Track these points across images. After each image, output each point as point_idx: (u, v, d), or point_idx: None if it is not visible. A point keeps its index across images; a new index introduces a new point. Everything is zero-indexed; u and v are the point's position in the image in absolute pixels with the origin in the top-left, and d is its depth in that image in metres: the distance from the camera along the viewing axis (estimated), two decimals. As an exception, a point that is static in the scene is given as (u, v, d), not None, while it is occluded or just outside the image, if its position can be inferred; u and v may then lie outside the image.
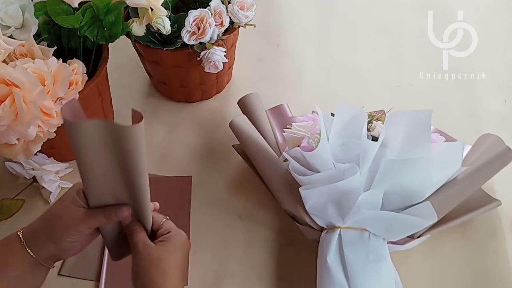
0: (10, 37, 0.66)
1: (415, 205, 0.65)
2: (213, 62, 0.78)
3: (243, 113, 0.82)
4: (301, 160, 0.67)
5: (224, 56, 0.79)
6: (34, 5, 0.67)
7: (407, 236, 0.66)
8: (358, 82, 0.97)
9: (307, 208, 0.67)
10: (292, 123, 0.77)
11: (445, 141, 0.74)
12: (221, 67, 0.80)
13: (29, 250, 0.47)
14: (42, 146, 0.67)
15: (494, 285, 0.68)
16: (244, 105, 0.83)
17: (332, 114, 0.68)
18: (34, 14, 0.67)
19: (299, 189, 0.66)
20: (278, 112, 0.85)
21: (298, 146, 0.70)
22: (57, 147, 0.78)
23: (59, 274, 0.70)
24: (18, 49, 0.66)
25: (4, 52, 0.62)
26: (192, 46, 0.77)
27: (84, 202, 0.50)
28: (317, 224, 0.67)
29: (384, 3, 1.14)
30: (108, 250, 0.57)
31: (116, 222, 0.52)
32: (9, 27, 0.66)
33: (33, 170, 0.75)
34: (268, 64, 1.01)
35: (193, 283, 0.70)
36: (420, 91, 0.95)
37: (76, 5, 0.67)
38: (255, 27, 0.82)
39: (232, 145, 0.81)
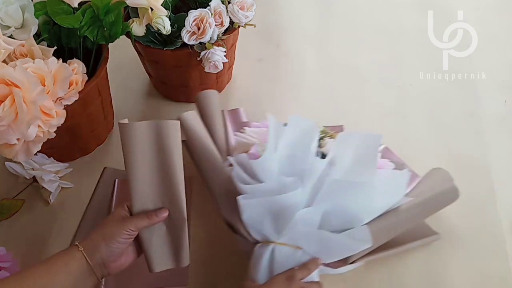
0: (10, 37, 0.65)
1: (353, 228, 0.64)
2: (213, 62, 0.78)
3: (198, 109, 0.79)
4: (246, 167, 0.65)
5: (224, 56, 0.79)
6: (34, 5, 0.67)
7: (340, 260, 0.65)
8: (358, 82, 0.97)
9: (243, 218, 0.64)
10: (245, 128, 0.75)
11: (394, 168, 0.72)
12: (221, 67, 0.80)
13: (85, 255, 0.54)
14: (42, 146, 0.67)
15: (495, 285, 0.68)
16: (200, 101, 0.80)
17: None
18: (34, 14, 0.67)
19: (238, 198, 0.63)
20: (235, 115, 0.84)
21: (247, 152, 0.68)
22: (57, 147, 0.78)
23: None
24: (18, 49, 0.66)
25: (4, 52, 0.62)
26: (192, 46, 0.77)
27: (128, 212, 0.58)
28: (252, 236, 0.65)
29: (384, 3, 1.14)
30: (148, 261, 0.59)
31: (159, 230, 0.59)
32: (9, 27, 0.66)
33: (33, 170, 0.75)
34: (268, 64, 1.01)
35: (193, 283, 0.70)
36: (420, 91, 0.95)
37: (76, 5, 0.67)
38: (255, 27, 0.82)
39: (183, 140, 0.79)
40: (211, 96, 0.81)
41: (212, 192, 0.71)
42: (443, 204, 0.70)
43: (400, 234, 0.67)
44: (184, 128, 0.75)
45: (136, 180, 0.57)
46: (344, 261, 0.65)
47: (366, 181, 0.62)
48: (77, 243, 0.55)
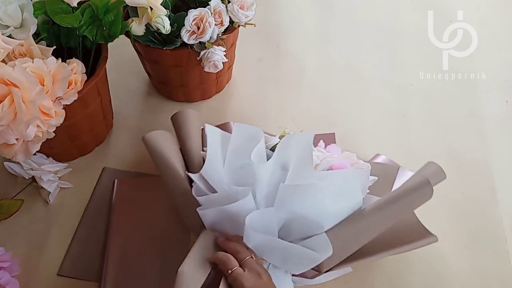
0: (9, 36, 0.65)
1: (313, 236, 0.61)
2: (213, 62, 0.78)
3: (174, 128, 0.78)
4: (205, 181, 0.65)
5: (224, 55, 0.79)
6: (33, 5, 0.67)
7: (314, 269, 0.61)
8: (358, 82, 0.97)
9: (207, 227, 0.63)
10: None
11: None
12: (221, 66, 0.80)
13: None
14: (41, 146, 0.66)
15: (496, 285, 0.68)
16: (175, 121, 0.79)
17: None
18: (33, 14, 0.67)
19: (197, 209, 0.62)
20: (224, 129, 0.80)
21: None
22: (56, 147, 0.77)
23: (58, 274, 0.70)
24: (17, 49, 0.66)
25: (3, 51, 0.61)
26: (191, 45, 0.77)
27: None
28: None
29: (385, 2, 1.13)
30: None
31: None
32: (8, 27, 0.66)
33: (32, 170, 0.75)
34: (268, 63, 1.01)
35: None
36: (421, 91, 0.95)
37: (75, 4, 0.66)
38: (255, 26, 0.82)
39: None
40: (188, 115, 0.78)
41: (177, 207, 0.71)
42: (416, 203, 0.63)
43: (393, 236, 0.64)
44: (148, 148, 0.73)
45: None
46: (317, 270, 0.62)
47: (309, 183, 0.60)
48: None
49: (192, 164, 0.72)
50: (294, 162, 0.63)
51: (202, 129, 0.80)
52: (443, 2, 1.11)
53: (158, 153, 0.71)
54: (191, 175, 0.66)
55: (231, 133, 0.77)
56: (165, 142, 0.74)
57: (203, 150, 0.74)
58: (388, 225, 0.63)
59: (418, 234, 0.66)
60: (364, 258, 0.63)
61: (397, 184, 0.72)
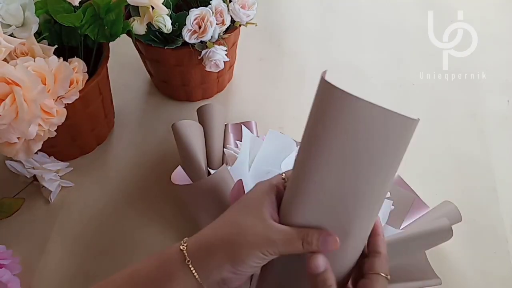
0: (11, 35, 0.65)
1: None
2: (214, 61, 0.78)
3: (199, 120, 0.78)
4: None
5: (225, 55, 0.79)
6: (35, 4, 0.67)
7: None
8: (360, 81, 0.97)
9: None
10: (237, 141, 0.75)
11: (387, 197, 0.67)
12: (222, 66, 0.80)
13: (195, 273, 0.36)
14: (42, 145, 0.66)
15: (496, 286, 0.68)
16: (200, 114, 0.80)
17: None
18: (35, 13, 0.67)
19: None
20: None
21: None
22: (58, 146, 0.77)
23: None
24: (19, 48, 0.66)
25: (5, 50, 0.61)
26: (193, 45, 0.77)
27: (276, 217, 0.38)
28: None
29: (385, 2, 1.14)
30: None
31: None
32: (10, 26, 0.66)
33: (34, 169, 0.75)
34: (269, 63, 1.01)
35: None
36: (423, 91, 0.95)
37: (77, 3, 0.66)
38: (256, 25, 0.82)
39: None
40: (214, 110, 0.79)
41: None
42: (433, 245, 0.66)
43: (399, 272, 0.63)
44: (175, 135, 0.74)
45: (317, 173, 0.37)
46: None
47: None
48: (183, 248, 0.37)
49: (212, 159, 0.72)
50: None
51: (226, 125, 0.80)
52: (443, 2, 1.11)
53: (184, 142, 0.72)
54: (212, 172, 0.66)
55: (251, 131, 0.78)
56: (192, 133, 0.74)
57: (225, 147, 0.74)
58: (399, 260, 0.64)
59: (424, 274, 0.66)
60: None
61: (410, 216, 0.71)
